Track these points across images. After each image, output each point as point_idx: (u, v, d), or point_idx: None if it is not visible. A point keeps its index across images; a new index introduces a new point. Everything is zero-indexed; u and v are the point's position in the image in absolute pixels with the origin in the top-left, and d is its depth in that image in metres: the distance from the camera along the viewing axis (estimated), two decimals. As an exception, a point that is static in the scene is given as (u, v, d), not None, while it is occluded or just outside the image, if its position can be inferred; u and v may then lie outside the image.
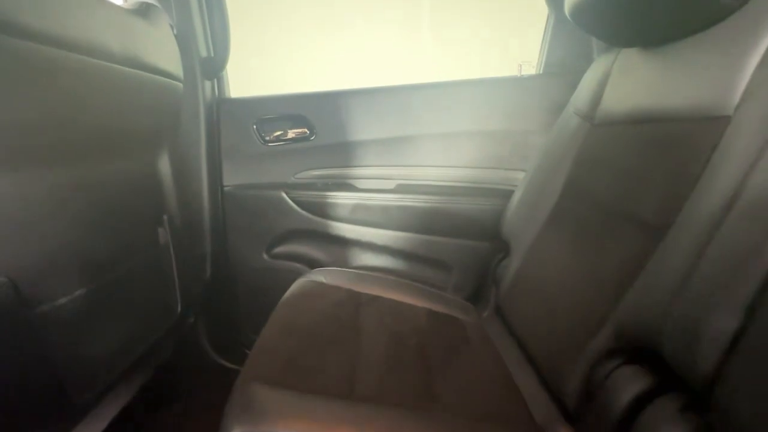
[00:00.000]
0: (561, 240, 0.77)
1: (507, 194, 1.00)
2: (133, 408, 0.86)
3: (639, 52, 0.70)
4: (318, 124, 1.16)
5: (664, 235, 0.51)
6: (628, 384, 0.48)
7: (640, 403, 0.46)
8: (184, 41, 1.03)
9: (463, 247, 1.10)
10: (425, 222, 1.12)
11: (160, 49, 0.84)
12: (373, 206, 1.14)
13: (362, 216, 1.15)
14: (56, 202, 0.65)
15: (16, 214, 0.58)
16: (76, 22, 0.61)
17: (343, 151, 1.16)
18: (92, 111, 0.69)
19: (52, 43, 0.57)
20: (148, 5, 0.84)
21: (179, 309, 1.02)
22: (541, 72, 1.11)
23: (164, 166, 0.97)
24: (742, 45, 0.49)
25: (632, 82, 0.70)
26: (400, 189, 1.15)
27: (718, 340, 0.38)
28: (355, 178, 1.18)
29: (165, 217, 0.95)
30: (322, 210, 1.16)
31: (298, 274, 0.96)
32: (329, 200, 1.15)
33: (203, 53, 1.09)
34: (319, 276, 0.92)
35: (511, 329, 0.83)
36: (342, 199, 1.14)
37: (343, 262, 1.19)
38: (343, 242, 1.18)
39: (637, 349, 0.50)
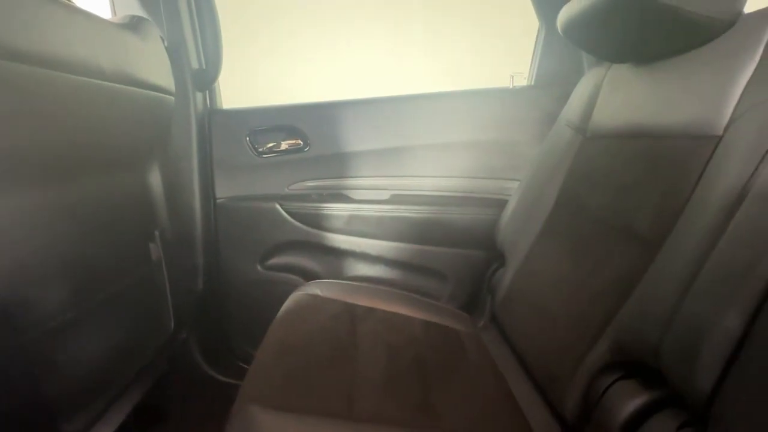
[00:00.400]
0: (556, 251, 0.78)
1: (501, 204, 1.01)
2: (127, 428, 0.84)
3: (630, 67, 0.71)
4: (311, 134, 1.15)
5: (660, 248, 0.51)
6: (627, 399, 0.49)
7: (639, 418, 0.47)
8: (175, 53, 1.03)
9: (457, 256, 1.11)
10: (419, 232, 1.12)
11: (150, 64, 0.83)
12: (368, 217, 1.14)
13: (357, 227, 1.14)
14: (45, 222, 0.63)
15: (4, 237, 0.57)
16: (64, 40, 0.60)
17: (337, 162, 1.16)
18: (82, 128, 0.68)
19: (40, 63, 0.56)
20: (138, 19, 0.84)
21: (172, 325, 1.01)
22: (532, 83, 1.12)
23: (155, 179, 0.95)
24: (732, 66, 0.50)
25: (623, 98, 0.71)
26: (394, 199, 1.15)
27: (716, 356, 0.39)
28: (349, 189, 1.17)
29: (156, 232, 0.94)
30: (317, 221, 1.15)
31: (293, 286, 0.96)
32: (324, 211, 1.14)
33: (195, 65, 1.08)
34: (314, 288, 0.91)
35: (508, 339, 0.84)
36: (336, 210, 1.14)
37: (338, 274, 1.18)
38: (338, 253, 1.17)
39: (636, 363, 0.51)
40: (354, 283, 1.01)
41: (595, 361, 0.56)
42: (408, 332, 0.81)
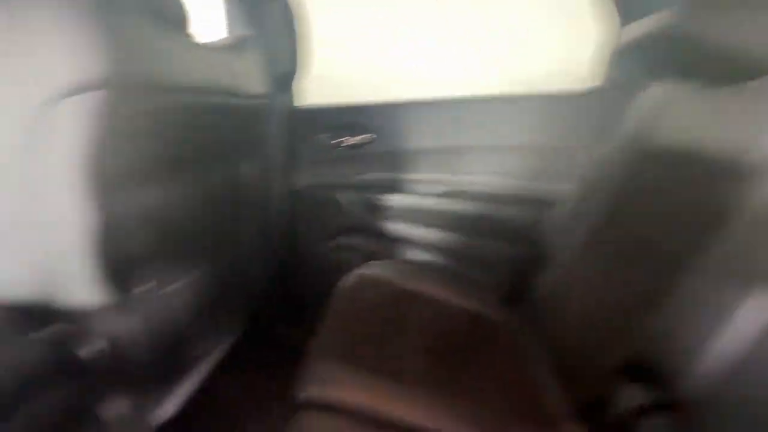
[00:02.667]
0: (597, 260, 0.83)
1: (547, 205, 1.07)
2: (213, 376, 1.03)
3: (693, 90, 0.72)
4: (379, 131, 1.28)
5: (688, 272, 0.57)
6: (630, 399, 0.57)
7: (641, 415, 0.55)
8: (269, 61, 1.19)
9: (503, 250, 1.19)
10: (470, 225, 1.22)
11: (252, 77, 1.00)
12: (425, 208, 1.25)
13: (414, 216, 1.27)
14: (160, 208, 0.81)
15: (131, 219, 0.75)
16: (187, 70, 0.78)
17: (401, 158, 1.28)
18: (200, 135, 0.87)
19: (171, 91, 0.74)
20: (242, 38, 1.00)
21: (256, 292, 1.22)
22: (592, 89, 1.12)
23: (245, 171, 1.15)
24: None
25: (683, 120, 0.72)
26: (450, 193, 1.25)
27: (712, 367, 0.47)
28: (409, 182, 1.29)
29: (247, 213, 1.14)
30: (380, 209, 1.29)
31: (355, 265, 1.11)
32: (386, 201, 1.28)
33: (280, 68, 1.25)
34: (373, 268, 1.06)
35: (542, 334, 0.92)
36: (397, 200, 1.27)
37: (395, 256, 1.33)
38: (396, 238, 1.31)
39: (645, 369, 0.58)
40: (408, 266, 1.14)
41: (613, 364, 0.63)
42: (451, 317, 0.93)
